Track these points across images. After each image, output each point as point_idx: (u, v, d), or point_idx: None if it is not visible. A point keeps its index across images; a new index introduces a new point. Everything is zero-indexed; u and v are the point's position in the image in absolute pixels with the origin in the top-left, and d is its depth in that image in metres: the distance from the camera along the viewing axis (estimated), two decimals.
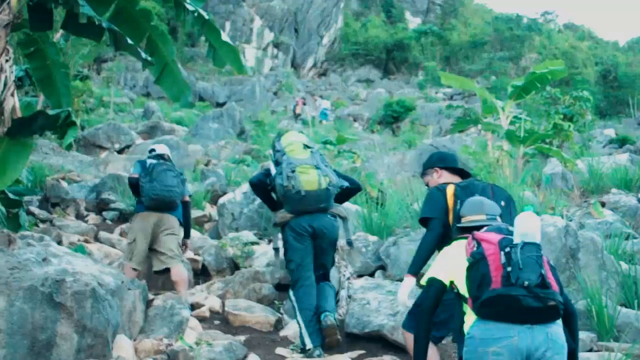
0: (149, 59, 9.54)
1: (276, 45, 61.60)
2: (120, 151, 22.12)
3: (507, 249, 4.11)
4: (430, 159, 6.28)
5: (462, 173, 6.16)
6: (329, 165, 7.38)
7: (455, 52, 64.09)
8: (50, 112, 8.76)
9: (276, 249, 7.29)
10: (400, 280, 8.18)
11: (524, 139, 14.00)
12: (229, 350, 6.37)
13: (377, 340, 6.98)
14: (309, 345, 6.68)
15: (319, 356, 6.63)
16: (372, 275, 8.91)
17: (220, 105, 37.97)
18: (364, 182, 12.14)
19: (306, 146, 7.34)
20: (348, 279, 8.52)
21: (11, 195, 9.68)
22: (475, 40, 63.70)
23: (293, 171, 6.95)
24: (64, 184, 14.55)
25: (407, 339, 5.53)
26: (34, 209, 12.57)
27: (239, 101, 39.72)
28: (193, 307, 7.93)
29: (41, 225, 11.38)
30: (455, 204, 5.32)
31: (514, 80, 16.70)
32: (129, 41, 9.29)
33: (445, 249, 4.84)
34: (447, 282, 4.56)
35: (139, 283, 7.27)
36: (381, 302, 7.22)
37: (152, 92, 42.24)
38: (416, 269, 5.70)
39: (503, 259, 4.09)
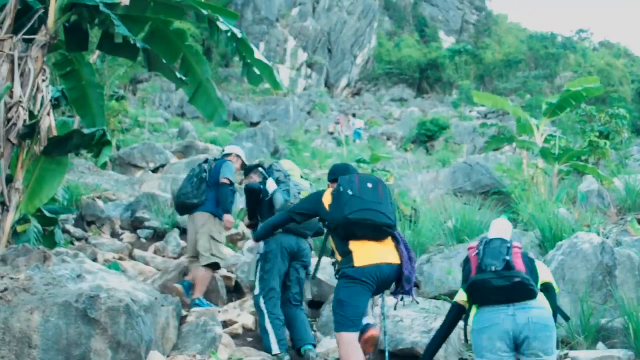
0: (183, 78, 9.62)
1: (310, 65, 61.73)
2: (155, 170, 22.25)
3: (480, 247, 5.22)
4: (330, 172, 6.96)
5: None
6: None
7: (490, 71, 63.77)
8: (86, 131, 8.85)
9: (262, 254, 7.55)
10: (435, 298, 8.22)
11: (559, 157, 13.91)
12: None
13: (410, 357, 6.94)
14: (276, 350, 7.04)
15: None
16: None
17: (254, 125, 38.12)
18: (398, 200, 12.12)
19: (304, 178, 8.31)
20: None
21: (47, 214, 9.80)
22: (510, 59, 63.35)
23: (299, 193, 7.67)
24: (100, 202, 14.66)
25: (342, 342, 5.90)
26: (69, 227, 12.68)
27: (273, 121, 39.84)
28: (226, 324, 7.94)
29: (77, 244, 11.49)
30: (331, 198, 6.14)
31: (549, 98, 16.61)
32: (164, 61, 9.38)
33: None
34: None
35: (173, 300, 7.30)
36: (414, 320, 7.19)
37: (187, 112, 42.48)
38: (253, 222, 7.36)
39: (479, 254, 5.18)
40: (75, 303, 5.71)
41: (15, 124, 8.19)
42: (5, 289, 5.79)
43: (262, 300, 7.29)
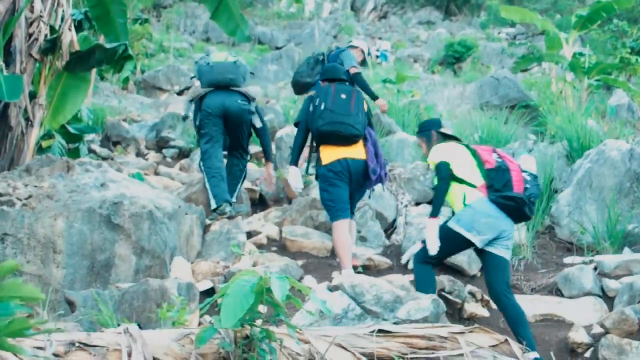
0: None
1: None
2: (180, 93, 22.24)
3: (526, 175, 5.65)
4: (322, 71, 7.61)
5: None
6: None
7: None
8: (108, 46, 8.79)
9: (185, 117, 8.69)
10: None
11: (588, 70, 13.68)
12: (286, 271, 6.38)
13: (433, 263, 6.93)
14: (213, 205, 7.79)
15: (230, 211, 7.85)
16: (430, 202, 8.85)
17: (279, 49, 37.87)
18: (424, 114, 12.02)
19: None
20: (405, 206, 8.47)
21: (72, 130, 9.81)
22: None
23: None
24: (125, 124, 14.69)
25: (334, 230, 6.63)
26: (95, 147, 12.74)
27: (298, 44, 39.52)
28: (250, 234, 7.95)
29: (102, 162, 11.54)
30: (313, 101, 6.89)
31: (579, 10, 16.27)
32: None
33: (441, 145, 6.01)
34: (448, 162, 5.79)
35: (196, 209, 7.32)
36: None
37: (212, 37, 42.24)
38: (295, 160, 7.08)
39: (525, 177, 5.62)
40: (98, 209, 5.74)
41: (36, 39, 8.17)
42: (29, 196, 5.82)
43: (201, 163, 8.33)
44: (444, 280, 6.11)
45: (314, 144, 7.00)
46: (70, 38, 8.54)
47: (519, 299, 5.97)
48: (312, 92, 7.38)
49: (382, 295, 4.80)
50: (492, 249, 5.54)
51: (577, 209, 7.51)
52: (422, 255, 5.74)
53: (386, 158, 9.55)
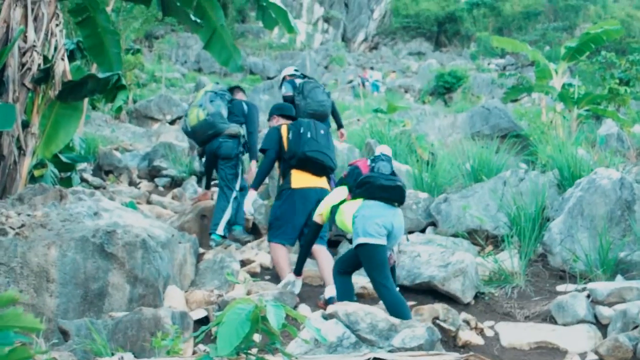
0: (198, 21, 9.56)
1: (326, 20, 61.35)
2: (172, 122, 22.29)
3: (371, 158, 6.23)
4: (272, 109, 8.20)
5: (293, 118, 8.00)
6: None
7: (508, 23, 62.92)
8: (101, 75, 8.84)
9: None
10: (453, 235, 8.21)
11: (578, 101, 13.76)
12: (280, 299, 6.36)
13: (428, 291, 6.94)
14: (221, 232, 8.59)
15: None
16: (422, 231, 8.88)
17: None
18: (415, 144, 12.06)
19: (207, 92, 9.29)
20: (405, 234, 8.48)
21: (64, 159, 9.82)
22: (529, 11, 62.43)
23: (186, 113, 9.41)
24: (117, 153, 14.70)
25: (272, 249, 7.21)
26: (87, 176, 12.75)
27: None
28: (244, 263, 7.96)
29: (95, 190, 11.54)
30: (288, 135, 7.37)
31: (568, 42, 16.39)
32: (178, 4, 9.33)
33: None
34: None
35: (190, 237, 7.32)
36: (432, 255, 7.17)
37: (204, 67, 42.42)
38: (258, 184, 7.51)
39: (369, 162, 6.18)
40: (92, 238, 5.73)
41: (29, 69, 8.20)
42: (22, 225, 5.81)
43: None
44: (438, 308, 6.11)
45: (276, 168, 7.66)
46: (63, 68, 8.58)
47: (513, 327, 6.00)
48: (283, 123, 7.77)
49: (377, 323, 4.80)
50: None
51: (569, 237, 7.53)
52: (340, 266, 6.23)
53: None
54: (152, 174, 14.00)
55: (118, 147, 15.98)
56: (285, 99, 9.44)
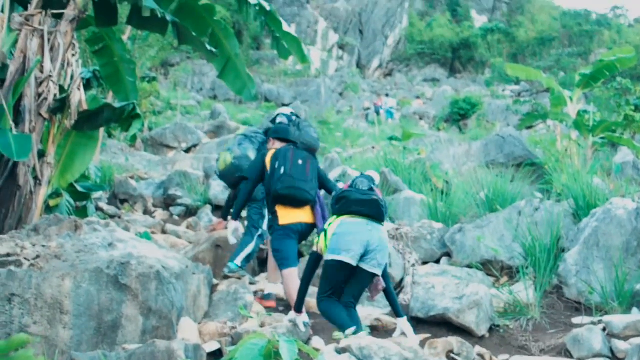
0: (213, 50, 9.61)
1: (341, 46, 61.59)
2: (187, 150, 22.36)
3: (353, 179, 6.41)
4: (269, 133, 8.37)
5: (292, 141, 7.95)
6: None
7: (523, 49, 63.02)
8: (116, 105, 8.88)
9: None
10: (468, 266, 8.17)
11: (593, 128, 13.73)
12: (293, 332, 6.35)
13: (442, 324, 6.90)
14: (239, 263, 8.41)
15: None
16: (437, 262, 8.84)
17: (285, 106, 38.10)
18: (429, 173, 12.05)
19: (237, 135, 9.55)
20: (413, 265, 8.46)
21: (80, 188, 9.85)
22: (543, 37, 62.52)
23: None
24: (132, 181, 14.74)
25: (285, 277, 7.25)
26: (102, 204, 12.77)
27: (305, 102, 39.82)
28: (257, 294, 7.95)
29: (109, 220, 11.56)
30: (270, 165, 7.47)
31: (582, 69, 16.36)
32: (193, 34, 9.38)
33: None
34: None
35: (204, 268, 7.32)
36: (446, 287, 7.13)
37: (219, 94, 42.65)
38: (236, 215, 7.70)
39: (351, 182, 6.35)
40: (106, 269, 5.73)
41: (45, 98, 8.24)
42: (37, 256, 5.82)
43: None
44: (452, 341, 6.08)
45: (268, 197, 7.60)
46: (79, 97, 8.62)
47: None
48: (271, 145, 8.06)
49: (391, 357, 4.77)
50: (364, 264, 6.04)
51: (584, 269, 7.48)
52: (321, 293, 6.28)
53: (392, 216, 9.66)
54: (167, 202, 14.03)
55: (133, 176, 16.03)
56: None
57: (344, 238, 6.00)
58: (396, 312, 6.40)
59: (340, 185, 6.85)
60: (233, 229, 7.69)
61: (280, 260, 7.31)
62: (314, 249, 6.46)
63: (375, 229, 6.10)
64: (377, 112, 36.63)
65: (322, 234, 6.37)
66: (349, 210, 6.15)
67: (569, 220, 8.79)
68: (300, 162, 7.44)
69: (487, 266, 8.28)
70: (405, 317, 6.35)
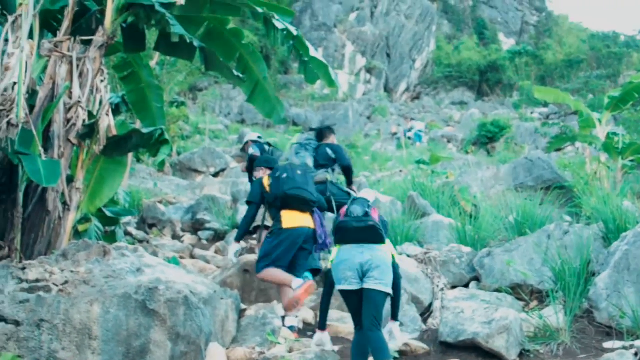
0: (241, 76, 9.65)
1: (369, 70, 61.64)
2: (215, 175, 22.43)
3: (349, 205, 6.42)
4: (258, 161, 9.14)
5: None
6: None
7: (551, 71, 62.72)
8: (144, 130, 8.93)
9: None
10: (497, 290, 8.11)
11: (622, 151, 13.59)
12: (321, 358, 6.32)
13: (471, 348, 6.84)
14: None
15: None
16: (466, 286, 8.79)
17: (314, 130, 38.12)
18: (458, 196, 12.00)
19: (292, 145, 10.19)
20: (442, 289, 8.41)
21: (108, 214, 9.89)
22: (571, 59, 62.19)
23: None
24: (161, 206, 14.80)
25: (262, 275, 7.76)
26: (131, 229, 12.83)
27: (333, 126, 39.74)
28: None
29: (137, 245, 11.60)
30: (270, 180, 8.17)
31: (611, 91, 16.24)
32: (220, 59, 9.42)
33: None
34: None
35: (232, 293, 7.32)
36: (475, 311, 7.08)
37: (247, 119, 42.80)
38: (240, 237, 8.32)
39: (346, 210, 6.34)
40: (134, 295, 5.75)
41: (74, 124, 8.30)
42: (66, 282, 5.85)
43: None
44: None
45: (272, 209, 8.19)
46: (107, 123, 8.67)
47: None
48: (263, 173, 8.71)
49: None
50: (364, 284, 6.09)
51: (615, 293, 7.39)
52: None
53: (421, 240, 9.63)
54: (196, 227, 14.07)
55: (162, 200, 16.10)
56: (252, 158, 10.12)
57: (338, 267, 6.17)
58: (393, 314, 6.48)
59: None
60: (235, 251, 8.31)
61: (261, 262, 7.76)
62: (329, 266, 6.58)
63: (368, 250, 6.15)
64: (408, 137, 36.62)
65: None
66: (347, 240, 6.26)
67: (598, 244, 8.71)
68: (299, 172, 8.15)
69: (516, 290, 8.21)
70: (398, 322, 6.50)
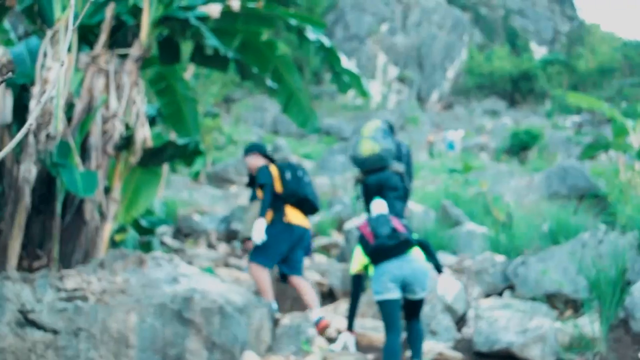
0: (275, 87, 9.73)
1: (401, 80, 61.70)
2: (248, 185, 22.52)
3: (370, 224, 6.54)
4: (251, 146, 8.78)
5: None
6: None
7: (583, 80, 62.37)
8: (180, 142, 9.03)
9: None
10: (531, 299, 8.08)
11: None
12: None
13: (505, 358, 6.83)
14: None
15: None
16: (500, 295, 8.77)
17: (346, 140, 38.21)
18: (491, 205, 11.98)
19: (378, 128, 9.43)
20: (475, 299, 8.40)
21: (144, 224, 10.00)
22: (604, 67, 61.82)
23: (357, 142, 9.15)
24: (196, 216, 14.90)
25: (254, 270, 7.75)
26: (167, 239, 12.93)
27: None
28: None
29: (173, 255, 11.69)
30: (280, 175, 8.05)
31: None
32: (255, 71, 9.51)
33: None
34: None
35: (267, 302, 7.37)
36: (510, 320, 7.07)
37: (280, 129, 42.99)
38: (264, 213, 7.82)
39: (370, 229, 6.49)
40: (170, 304, 5.82)
41: (111, 136, 8.42)
42: (103, 291, 5.93)
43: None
44: None
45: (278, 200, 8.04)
46: (143, 135, 8.79)
47: None
48: (261, 161, 8.46)
49: None
50: (409, 295, 6.38)
51: None
52: (386, 331, 6.39)
53: (454, 249, 9.66)
54: (230, 236, 14.15)
55: (197, 210, 16.22)
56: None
57: (380, 279, 6.30)
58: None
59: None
60: (262, 227, 7.92)
61: (258, 251, 7.78)
62: (354, 272, 6.81)
63: (406, 262, 6.35)
64: (451, 146, 36.65)
65: (362, 266, 6.72)
66: (387, 259, 6.38)
67: (634, 252, 8.65)
68: (307, 177, 8.23)
69: (551, 299, 8.17)
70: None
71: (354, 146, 9.24)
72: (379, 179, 9.05)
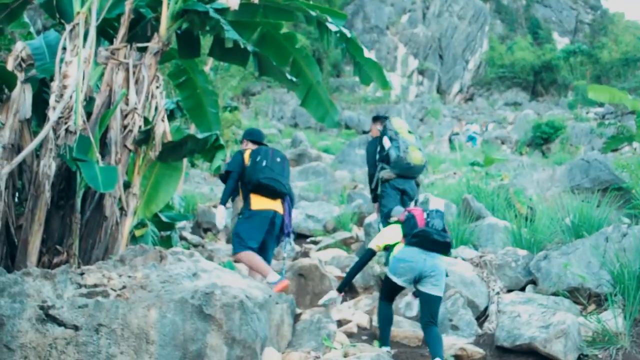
0: (294, 80, 9.67)
1: (421, 72, 61.48)
2: None
3: (427, 213, 7.02)
4: (244, 134, 9.15)
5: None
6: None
7: (606, 70, 61.79)
8: (199, 135, 9.00)
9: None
10: (554, 294, 8.00)
11: None
12: None
13: (528, 353, 6.77)
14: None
15: None
16: (522, 289, 8.69)
17: (366, 132, 38.11)
18: (513, 198, 11.89)
19: (410, 132, 9.89)
20: (497, 293, 8.34)
21: (164, 219, 9.99)
22: (628, 58, 61.17)
23: (407, 148, 9.55)
24: (215, 210, 14.89)
25: (241, 257, 8.14)
26: (186, 234, 12.92)
27: None
28: (341, 323, 7.94)
29: (193, 250, 11.67)
30: (250, 160, 8.34)
31: None
32: (274, 64, 9.45)
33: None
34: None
35: (287, 297, 7.34)
36: (532, 315, 7.01)
37: (300, 122, 42.93)
38: (225, 202, 8.46)
39: (426, 216, 6.94)
40: (190, 299, 5.78)
41: (131, 130, 8.41)
42: (124, 287, 5.91)
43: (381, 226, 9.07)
44: None
45: (244, 188, 8.42)
46: (163, 129, 8.76)
47: None
48: (251, 147, 8.72)
49: None
50: (421, 287, 6.73)
51: None
52: (381, 294, 7.21)
53: (476, 243, 9.58)
54: None
55: (216, 205, 16.20)
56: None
57: (400, 264, 6.80)
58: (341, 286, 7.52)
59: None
60: (222, 214, 8.56)
61: (237, 242, 8.13)
62: (372, 247, 7.30)
63: (430, 257, 6.78)
64: (473, 140, 36.50)
65: (384, 245, 7.27)
66: (423, 247, 6.83)
67: None
68: (278, 160, 8.37)
69: (573, 294, 8.08)
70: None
71: (404, 150, 9.53)
72: (410, 187, 9.71)
